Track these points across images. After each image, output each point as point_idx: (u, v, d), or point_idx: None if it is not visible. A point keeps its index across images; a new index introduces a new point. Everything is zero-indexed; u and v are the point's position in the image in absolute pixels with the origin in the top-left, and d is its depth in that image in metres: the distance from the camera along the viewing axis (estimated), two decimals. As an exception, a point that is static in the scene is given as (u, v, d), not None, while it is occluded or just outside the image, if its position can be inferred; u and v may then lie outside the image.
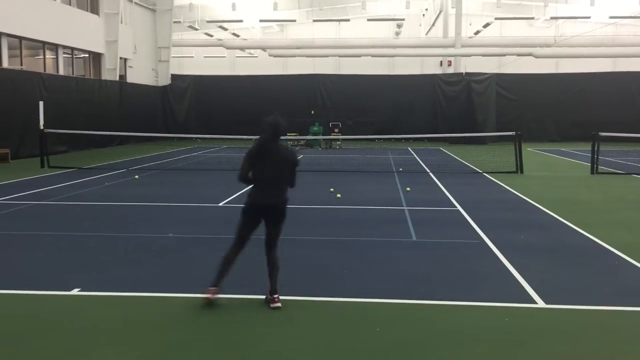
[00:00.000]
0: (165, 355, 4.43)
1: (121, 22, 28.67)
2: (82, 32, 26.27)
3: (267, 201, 5.51)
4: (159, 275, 6.57)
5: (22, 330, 4.90)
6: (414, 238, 8.53)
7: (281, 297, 5.65)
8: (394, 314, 5.35)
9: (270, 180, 5.50)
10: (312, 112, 30.07)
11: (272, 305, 5.42)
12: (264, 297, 5.63)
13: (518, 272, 6.62)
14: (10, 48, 21.88)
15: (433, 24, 39.62)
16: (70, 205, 11.22)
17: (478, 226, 9.17)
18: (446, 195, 12.58)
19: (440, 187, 13.89)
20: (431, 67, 41.42)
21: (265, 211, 5.54)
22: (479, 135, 26.73)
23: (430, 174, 16.85)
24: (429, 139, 30.90)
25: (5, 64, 21.47)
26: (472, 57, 38.79)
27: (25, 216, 10.11)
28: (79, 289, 5.90)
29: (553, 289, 6.08)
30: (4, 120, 19.93)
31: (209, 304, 5.43)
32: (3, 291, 5.90)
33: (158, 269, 6.82)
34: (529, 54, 36.89)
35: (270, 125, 5.48)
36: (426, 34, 40.97)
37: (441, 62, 40.21)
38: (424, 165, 19.34)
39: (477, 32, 39.16)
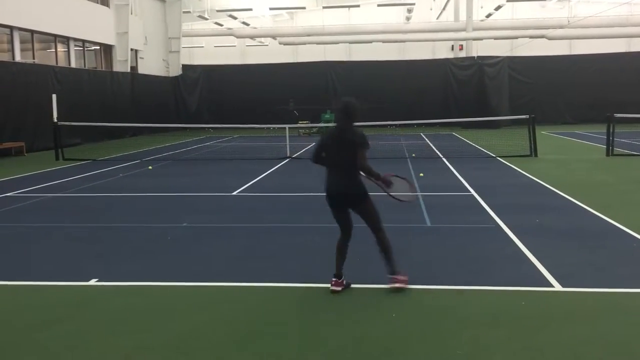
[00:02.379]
0: (182, 344, 4.47)
1: (131, 14, 28.71)
2: (92, 24, 26.35)
3: (334, 189, 5.47)
4: (174, 265, 6.61)
5: (41, 321, 4.96)
6: (428, 223, 8.50)
7: (297, 285, 5.68)
8: (409, 299, 5.35)
9: (336, 167, 5.43)
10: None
11: (393, 286, 5.44)
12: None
13: (534, 255, 6.58)
14: (22, 42, 22.02)
15: (444, 8, 39.27)
16: (86, 197, 11.31)
17: (493, 211, 9.12)
18: (460, 180, 12.52)
19: (453, 172, 13.82)
20: (442, 52, 41.11)
21: (336, 198, 5.48)
22: (492, 119, 26.52)
23: (443, 159, 16.77)
24: (441, 124, 30.70)
25: (17, 58, 21.62)
26: (484, 40, 38.45)
27: (42, 208, 10.21)
28: (96, 280, 5.96)
29: (570, 272, 6.04)
30: (18, 114, 20.09)
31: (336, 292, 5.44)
32: (21, 282, 5.97)
33: (173, 259, 6.86)
34: (542, 36, 36.48)
35: (342, 108, 5.40)
36: (437, 19, 40.62)
37: (452, 46, 39.88)
38: (436, 151, 19.25)
39: (488, 15, 38.73)
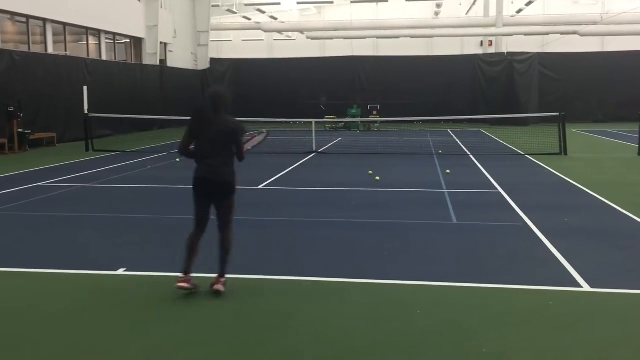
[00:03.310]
0: (208, 335, 4.52)
1: (161, 7, 29.00)
2: (123, 17, 26.67)
3: (209, 177, 5.23)
4: (200, 256, 6.67)
5: (70, 308, 5.06)
6: (455, 221, 8.44)
7: (323, 279, 5.70)
8: (434, 296, 5.32)
9: (212, 156, 5.21)
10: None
11: (214, 288, 5.24)
12: (317, 279, 5.67)
13: (562, 255, 6.49)
14: (54, 34, 22.40)
15: (474, 3, 38.77)
16: (115, 187, 11.49)
17: (520, 209, 9.01)
18: (487, 178, 12.40)
19: (480, 170, 13.69)
20: (471, 48, 40.64)
21: (211, 188, 5.26)
22: (521, 116, 26.16)
23: (471, 156, 16.62)
24: (469, 121, 30.42)
25: (50, 50, 22.00)
26: (514, 36, 37.87)
27: (72, 198, 10.40)
28: (124, 269, 6.05)
29: (598, 272, 5.95)
30: (50, 105, 20.45)
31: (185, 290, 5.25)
32: (51, 270, 6.08)
33: (200, 250, 6.92)
34: (574, 32, 35.81)
35: (210, 97, 5.28)
36: (466, 14, 40.15)
37: (482, 42, 39.40)
38: (463, 148, 19.08)
39: (519, 11, 38.15)
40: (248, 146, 5.66)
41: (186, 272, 5.29)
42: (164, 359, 4.11)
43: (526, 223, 8.10)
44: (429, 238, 7.42)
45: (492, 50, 36.17)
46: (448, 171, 13.22)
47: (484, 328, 4.60)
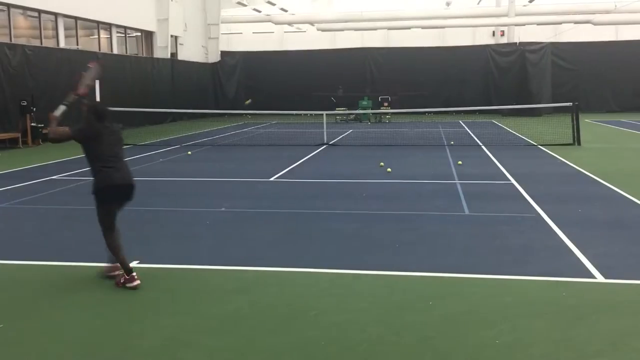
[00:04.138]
0: (222, 327, 4.54)
1: (172, 0, 29.01)
2: (134, 11, 26.73)
3: (126, 181, 5.62)
4: (212, 248, 6.72)
5: (85, 300, 5.11)
6: (467, 212, 8.41)
7: (335, 271, 5.71)
8: (446, 288, 5.31)
9: (116, 161, 5.59)
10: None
11: (115, 274, 5.51)
12: (332, 270, 5.68)
13: (576, 246, 6.45)
14: (66, 28, 22.50)
15: (485, -7, 38.43)
16: (127, 180, 11.53)
17: (533, 200, 8.96)
18: (499, 169, 12.33)
19: (493, 160, 13.62)
20: (483, 38, 40.31)
21: (124, 190, 5.62)
22: (534, 106, 25.95)
23: (483, 147, 16.52)
24: (481, 112, 30.24)
25: (62, 44, 22.11)
26: (527, 26, 37.49)
27: (85, 192, 10.44)
28: (137, 262, 6.09)
29: (613, 263, 5.90)
30: (62, 99, 20.54)
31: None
32: (67, 263, 6.15)
33: (212, 242, 6.97)
34: (587, 22, 35.39)
35: (99, 111, 5.70)
36: (478, 3, 39.82)
37: (494, 32, 39.09)
38: (475, 138, 18.97)
39: (531, 0, 37.79)
40: (82, 86, 5.84)
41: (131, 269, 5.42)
42: (181, 350, 4.14)
43: (539, 214, 8.05)
44: (441, 229, 7.40)
45: (504, 40, 35.90)
46: (460, 162, 13.16)
47: (497, 319, 4.58)
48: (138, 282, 5.36)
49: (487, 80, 33.11)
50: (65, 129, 5.62)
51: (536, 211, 8.23)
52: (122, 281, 5.40)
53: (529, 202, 8.84)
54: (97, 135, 5.54)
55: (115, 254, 5.47)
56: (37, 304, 5.08)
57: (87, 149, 5.60)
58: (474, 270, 5.73)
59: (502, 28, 36.64)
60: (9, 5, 19.46)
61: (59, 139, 5.67)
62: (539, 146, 16.33)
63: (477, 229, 7.40)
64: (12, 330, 4.51)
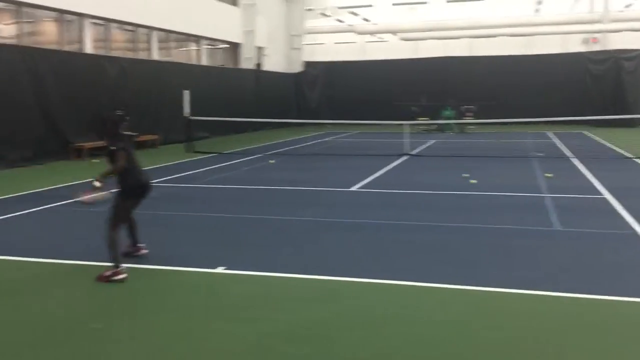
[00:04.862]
0: (302, 335, 4.58)
1: (257, 13, 29.82)
2: (222, 23, 27.69)
3: (147, 180, 6.37)
4: (294, 257, 6.79)
5: (173, 304, 5.30)
6: (556, 227, 8.05)
7: (417, 284, 5.63)
8: (533, 305, 5.10)
9: (138, 165, 6.28)
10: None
11: (139, 253, 6.54)
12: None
13: (677, 267, 6.03)
14: (159, 41, 23.61)
15: (577, -1, 36.93)
16: (213, 188, 11.92)
17: (630, 215, 8.46)
18: (591, 182, 11.75)
19: (584, 173, 13.00)
20: (575, 45, 38.66)
21: (147, 189, 6.34)
22: (629, 117, 24.56)
23: (573, 159, 15.81)
24: (571, 122, 28.95)
25: (155, 56, 23.21)
26: (622, 32, 35.64)
27: (173, 198, 10.89)
28: (223, 267, 6.25)
29: None
30: (155, 109, 21.56)
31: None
32: (154, 266, 6.39)
33: (292, 251, 7.05)
34: (690, 27, 33.21)
35: (116, 120, 6.22)
36: (569, 10, 38.30)
37: (586, 39, 37.41)
38: (565, 150, 18.19)
39: (628, 5, 35.92)
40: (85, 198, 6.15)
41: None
42: (263, 356, 4.20)
43: (635, 231, 7.60)
44: (528, 244, 7.12)
45: (597, 47, 34.26)
46: (549, 174, 12.65)
47: (586, 341, 4.35)
48: (125, 275, 5.85)
49: (578, 90, 31.68)
50: (115, 165, 6.04)
51: (632, 228, 7.76)
52: (107, 275, 5.82)
53: (624, 218, 8.36)
54: (126, 145, 6.15)
55: (114, 248, 5.93)
56: (127, 305, 5.32)
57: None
58: (563, 288, 5.46)
59: (595, 35, 35.01)
60: (107, 20, 20.66)
61: (120, 167, 6.06)
62: (635, 159, 15.43)
63: (566, 245, 7.07)
64: (111, 330, 4.74)
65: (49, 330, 4.71)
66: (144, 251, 6.64)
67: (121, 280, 5.77)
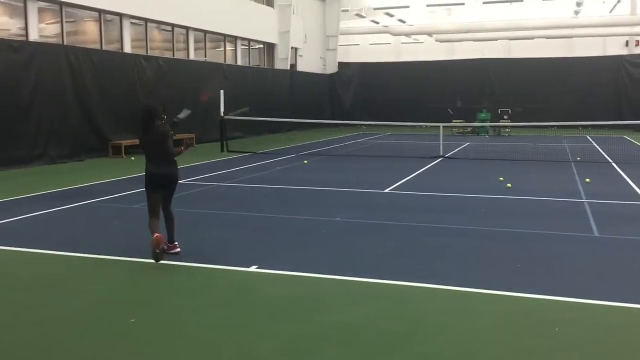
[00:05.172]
0: (336, 336, 4.56)
1: (293, 13, 29.91)
2: (258, 24, 27.86)
3: (161, 171, 6.60)
4: (328, 257, 6.77)
5: (209, 302, 5.34)
6: (595, 233, 7.87)
7: (453, 288, 5.57)
8: (571, 313, 4.99)
9: (157, 157, 6.59)
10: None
11: (172, 252, 6.62)
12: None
13: None
14: (196, 41, 23.89)
15: (619, 0, 36.02)
16: (247, 187, 11.99)
17: (672, 223, 8.22)
18: (633, 188, 11.45)
19: (624, 179, 12.68)
20: (615, 48, 37.76)
21: (163, 179, 6.62)
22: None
23: (613, 164, 15.44)
24: (611, 126, 28.26)
25: (192, 56, 23.49)
26: (666, 34, 34.65)
27: (208, 196, 11.01)
28: (256, 266, 6.28)
29: None
30: (191, 108, 21.66)
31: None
32: (188, 264, 6.45)
33: (326, 251, 7.04)
34: None
35: (148, 111, 6.70)
36: (610, 12, 37.40)
37: (627, 42, 36.50)
38: (605, 155, 17.77)
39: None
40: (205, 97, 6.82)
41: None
42: (301, 357, 4.21)
43: (679, 239, 7.37)
44: (567, 251, 6.98)
45: (638, 50, 33.40)
46: (588, 179, 12.37)
47: (628, 350, 4.23)
48: (178, 249, 6.68)
49: (619, 93, 30.96)
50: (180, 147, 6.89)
51: (676, 236, 7.54)
52: (165, 248, 6.43)
53: (667, 226, 8.12)
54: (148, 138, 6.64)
55: (151, 232, 6.37)
56: (158, 301, 5.39)
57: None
58: (603, 297, 5.32)
59: (636, 37, 34.12)
60: (146, 20, 21.00)
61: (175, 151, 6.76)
62: (679, 165, 14.98)
63: (605, 253, 6.90)
64: (140, 324, 4.80)
65: (89, 323, 4.80)
66: (177, 249, 6.72)
67: (177, 253, 6.62)
